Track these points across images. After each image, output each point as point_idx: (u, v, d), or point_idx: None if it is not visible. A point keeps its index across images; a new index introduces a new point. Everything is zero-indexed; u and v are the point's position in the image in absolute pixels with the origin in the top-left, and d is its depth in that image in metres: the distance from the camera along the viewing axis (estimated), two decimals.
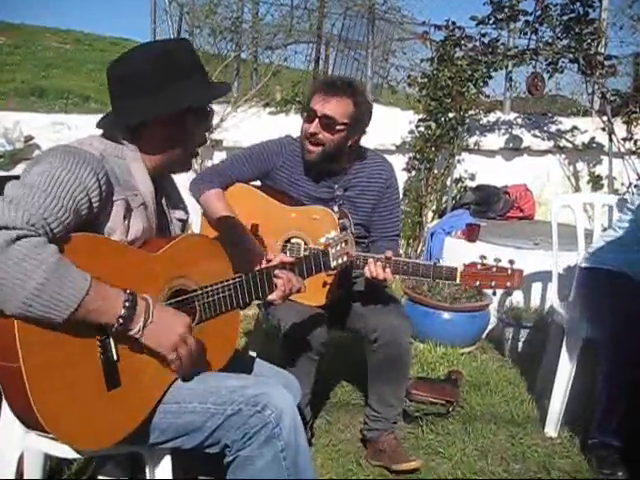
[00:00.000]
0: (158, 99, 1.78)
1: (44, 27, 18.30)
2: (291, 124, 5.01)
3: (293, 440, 1.80)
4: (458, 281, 2.52)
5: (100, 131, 1.88)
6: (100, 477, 2.41)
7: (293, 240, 2.82)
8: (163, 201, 1.98)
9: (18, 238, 1.45)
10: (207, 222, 2.83)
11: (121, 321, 1.58)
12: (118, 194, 1.73)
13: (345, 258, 2.28)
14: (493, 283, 2.48)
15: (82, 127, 5.78)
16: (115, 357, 1.63)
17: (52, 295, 1.47)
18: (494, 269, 2.48)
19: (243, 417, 1.76)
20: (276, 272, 2.05)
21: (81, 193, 1.60)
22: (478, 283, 2.50)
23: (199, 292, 1.83)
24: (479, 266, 2.50)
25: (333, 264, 2.24)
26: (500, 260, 2.49)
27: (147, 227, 1.82)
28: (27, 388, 1.49)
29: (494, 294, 2.51)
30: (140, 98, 1.79)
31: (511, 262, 2.48)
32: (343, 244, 2.28)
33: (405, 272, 2.60)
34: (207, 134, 2.01)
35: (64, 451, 1.77)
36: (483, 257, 2.51)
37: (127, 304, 1.59)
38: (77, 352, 1.58)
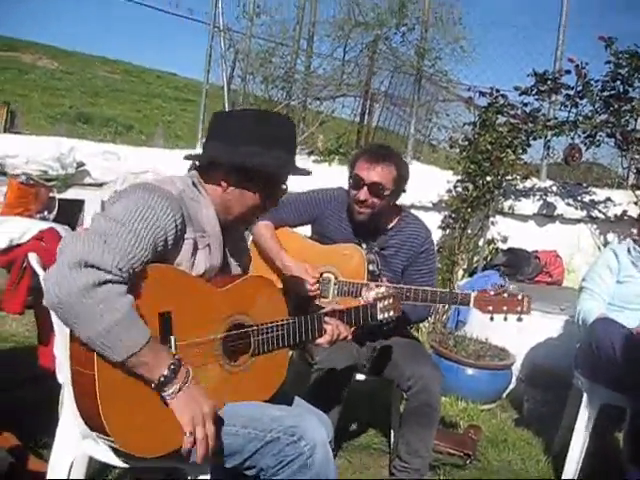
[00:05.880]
0: (238, 153, 1.97)
1: (95, 56, 18.87)
2: (333, 174, 5.23)
3: (324, 473, 1.95)
4: (472, 306, 2.72)
5: (182, 172, 2.10)
6: None
7: (325, 274, 3.02)
8: (227, 250, 2.15)
9: (105, 282, 1.66)
10: (255, 249, 3.09)
11: (161, 380, 1.76)
12: (189, 233, 1.93)
13: (392, 312, 2.41)
14: (505, 308, 2.66)
15: (131, 158, 6.07)
16: None
17: (115, 339, 1.67)
18: (505, 295, 2.67)
19: (280, 445, 1.91)
20: (326, 318, 2.20)
21: (160, 231, 1.81)
22: (491, 308, 2.68)
23: (255, 328, 2.01)
24: (492, 292, 2.69)
25: (379, 317, 2.38)
26: (511, 287, 2.68)
27: (209, 268, 2.01)
28: (97, 394, 1.69)
29: (505, 319, 2.67)
30: (223, 145, 2.00)
31: (521, 289, 2.66)
32: (391, 299, 2.41)
33: (424, 299, 2.78)
34: (268, 205, 2.12)
35: (116, 460, 1.94)
36: (495, 284, 2.71)
37: (171, 367, 1.76)
38: None
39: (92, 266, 1.65)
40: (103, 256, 1.67)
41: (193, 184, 2.03)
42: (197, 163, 2.10)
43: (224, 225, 2.07)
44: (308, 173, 2.14)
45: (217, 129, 2.06)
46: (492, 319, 2.69)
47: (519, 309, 2.65)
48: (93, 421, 1.76)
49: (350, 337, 2.28)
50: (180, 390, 1.79)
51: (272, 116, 2.18)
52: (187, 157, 2.11)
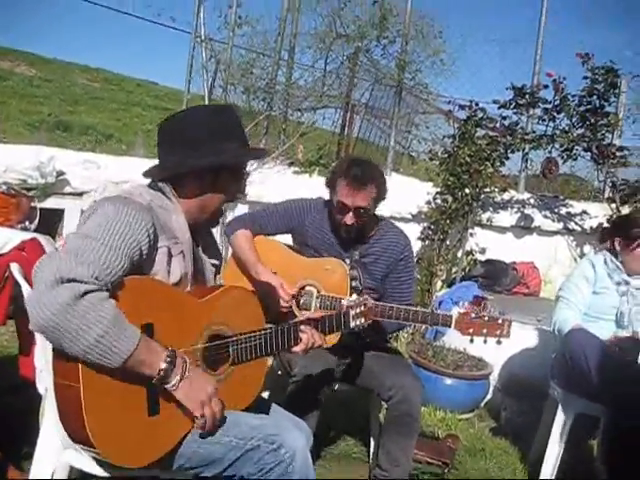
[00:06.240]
0: (197, 154, 2.03)
1: (75, 64, 18.67)
2: (313, 185, 5.26)
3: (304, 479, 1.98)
4: (453, 328, 2.72)
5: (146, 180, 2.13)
6: None
7: (307, 288, 3.05)
8: (199, 248, 2.20)
9: (86, 293, 1.68)
10: (234, 260, 3.14)
11: (162, 374, 1.79)
12: (162, 241, 1.96)
13: (363, 320, 2.47)
14: (485, 331, 2.68)
15: (111, 167, 6.06)
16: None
17: (108, 346, 1.69)
18: (486, 318, 2.69)
19: (260, 453, 1.95)
20: (301, 327, 2.25)
21: (134, 243, 1.83)
22: (471, 330, 2.69)
23: (234, 338, 2.05)
24: (472, 314, 2.70)
25: (352, 324, 2.44)
26: (494, 309, 2.71)
27: (184, 272, 2.04)
28: (83, 406, 1.70)
29: (485, 342, 2.71)
30: (182, 151, 2.04)
31: (501, 313, 2.71)
32: (362, 307, 2.47)
33: (406, 318, 2.79)
34: (238, 194, 2.23)
35: (98, 469, 1.94)
36: (477, 297, 2.72)
37: (168, 359, 1.80)
38: (128, 379, 1.78)
39: (69, 280, 1.66)
40: (78, 269, 1.68)
41: (162, 192, 2.05)
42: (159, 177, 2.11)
43: (194, 227, 2.11)
44: (266, 153, 2.40)
45: (170, 138, 2.09)
46: (472, 341, 2.71)
47: (499, 332, 2.68)
48: (78, 434, 1.76)
49: (324, 345, 2.33)
50: (182, 379, 1.83)
51: (218, 108, 2.31)
52: (146, 174, 2.12)
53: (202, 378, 1.90)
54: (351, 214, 2.93)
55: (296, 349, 2.24)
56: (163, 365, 1.78)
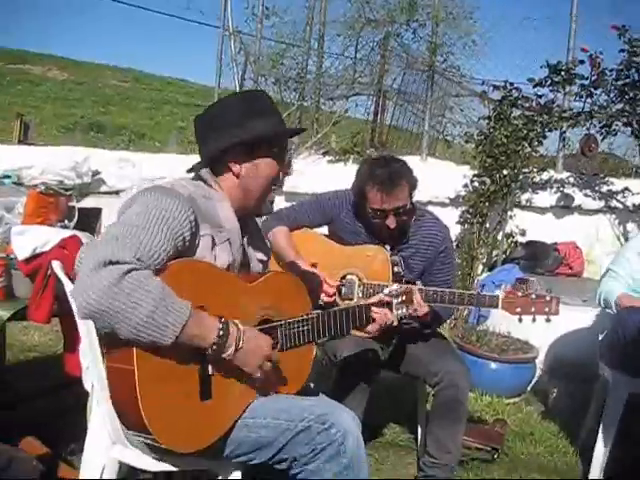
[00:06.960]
0: (235, 131, 2.01)
1: (105, 65, 19.00)
2: (348, 173, 5.24)
3: (356, 459, 1.95)
4: (500, 308, 2.68)
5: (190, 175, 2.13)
6: None
7: (348, 277, 3.00)
8: (245, 240, 2.17)
9: (129, 271, 1.66)
10: (274, 257, 3.07)
11: (215, 347, 1.78)
12: (204, 230, 1.93)
13: (405, 309, 2.47)
14: (533, 309, 2.63)
15: (146, 165, 6.11)
16: (210, 372, 1.84)
17: (159, 322, 1.67)
18: (533, 296, 2.64)
19: (312, 433, 1.92)
20: (374, 308, 2.33)
21: (175, 228, 1.81)
22: (519, 309, 2.65)
23: (282, 323, 2.04)
24: (519, 293, 2.66)
25: (395, 313, 2.44)
26: (540, 287, 2.66)
27: (231, 261, 2.02)
28: (137, 389, 1.70)
29: (533, 320, 2.66)
30: (220, 131, 2.03)
31: (548, 290, 2.66)
32: (403, 297, 2.47)
33: (451, 301, 2.76)
34: (282, 176, 2.16)
35: (147, 463, 1.95)
36: (520, 279, 2.69)
37: (221, 331, 1.79)
38: (181, 363, 1.78)
39: (111, 262, 1.65)
40: (120, 252, 1.67)
41: (205, 182, 2.05)
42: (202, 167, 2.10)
43: (242, 217, 2.09)
44: (303, 129, 2.52)
45: (204, 128, 2.09)
46: (520, 320, 2.67)
47: (547, 310, 2.62)
48: (132, 418, 1.76)
49: (396, 322, 2.40)
50: (237, 349, 1.83)
51: (247, 93, 2.36)
52: (190, 170, 2.13)
53: (257, 340, 1.89)
54: (391, 217, 2.85)
55: (369, 328, 2.32)
56: (216, 338, 1.78)
